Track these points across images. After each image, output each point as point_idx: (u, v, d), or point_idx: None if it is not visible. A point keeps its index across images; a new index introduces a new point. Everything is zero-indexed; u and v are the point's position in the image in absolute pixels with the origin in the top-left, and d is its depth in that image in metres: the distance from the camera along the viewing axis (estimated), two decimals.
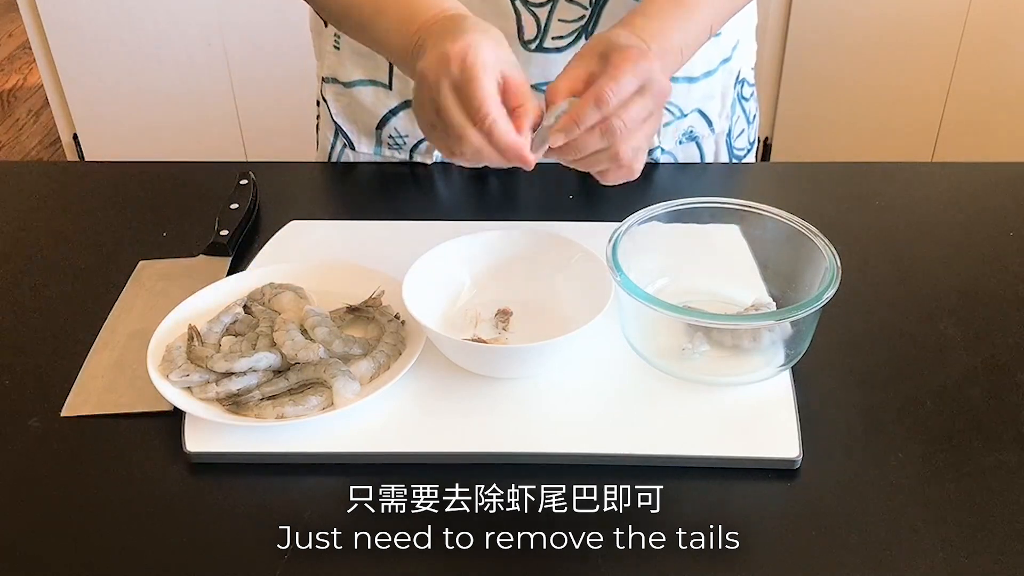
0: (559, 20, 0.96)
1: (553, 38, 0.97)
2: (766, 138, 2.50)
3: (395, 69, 1.03)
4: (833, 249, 0.79)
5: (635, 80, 0.73)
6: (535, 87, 1.01)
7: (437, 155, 1.08)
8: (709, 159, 1.11)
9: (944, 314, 0.86)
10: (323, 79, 1.09)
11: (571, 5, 0.95)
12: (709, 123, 1.08)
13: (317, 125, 1.16)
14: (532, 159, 0.73)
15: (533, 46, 0.98)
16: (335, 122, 1.10)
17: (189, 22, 2.40)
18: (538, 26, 0.96)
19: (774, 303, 0.83)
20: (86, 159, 2.60)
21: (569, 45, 0.98)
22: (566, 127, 0.73)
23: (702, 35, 0.86)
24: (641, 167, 0.77)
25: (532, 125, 0.74)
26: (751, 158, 1.16)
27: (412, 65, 0.77)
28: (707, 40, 0.87)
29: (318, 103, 1.14)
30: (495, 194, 1.07)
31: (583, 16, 0.96)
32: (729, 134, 1.11)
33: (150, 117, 2.53)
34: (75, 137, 2.61)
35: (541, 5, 0.95)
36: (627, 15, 0.83)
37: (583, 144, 0.74)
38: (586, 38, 0.97)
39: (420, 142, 1.08)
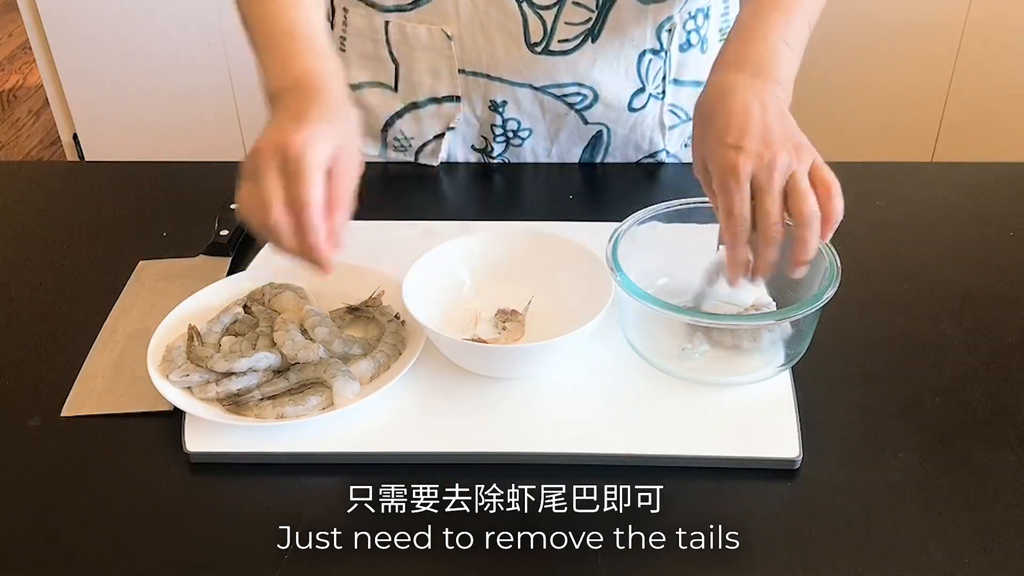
0: (565, 23, 0.96)
1: (559, 41, 0.97)
2: None
3: (401, 71, 1.03)
4: (833, 249, 0.79)
5: (743, 197, 0.71)
6: (540, 90, 1.01)
7: (442, 156, 1.08)
8: None
9: (944, 314, 0.86)
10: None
11: (577, 8, 0.95)
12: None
13: None
14: (328, 259, 0.69)
15: (539, 49, 0.98)
16: None
17: (189, 22, 2.40)
18: (544, 29, 0.96)
19: (774, 303, 0.83)
20: (86, 159, 2.60)
21: (575, 48, 0.98)
22: (734, 269, 0.73)
23: (804, 30, 0.83)
24: (831, 177, 0.75)
25: (339, 226, 0.70)
26: None
27: (268, 110, 0.76)
28: (808, 34, 0.84)
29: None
30: (496, 194, 1.07)
31: (589, 19, 0.96)
32: None
33: (150, 117, 2.53)
34: (75, 137, 2.61)
35: (547, 8, 0.95)
36: (735, 34, 0.80)
37: (765, 257, 0.73)
38: (592, 41, 0.97)
39: (425, 144, 1.08)
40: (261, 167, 0.69)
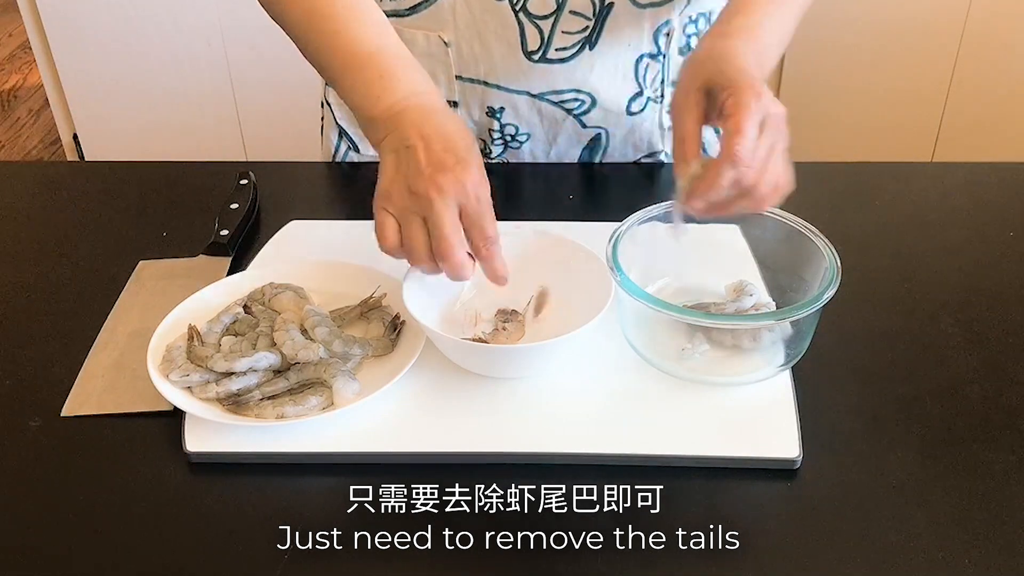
0: (562, 32, 0.96)
1: (556, 49, 0.97)
2: None
3: None
4: (833, 249, 0.79)
5: (756, 126, 0.72)
6: (538, 97, 1.01)
7: None
8: None
9: (944, 314, 0.86)
10: (326, 82, 1.09)
11: (574, 17, 0.95)
12: (714, 128, 1.08)
13: (321, 127, 1.16)
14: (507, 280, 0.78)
15: (536, 57, 0.98)
16: (339, 125, 1.10)
17: (189, 22, 2.40)
18: (541, 38, 0.96)
19: (774, 303, 0.83)
20: (86, 159, 2.60)
21: (572, 56, 0.97)
22: (706, 193, 0.73)
23: (792, 26, 0.85)
24: (787, 183, 0.76)
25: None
26: None
27: (373, 135, 0.79)
28: (794, 29, 0.86)
29: (322, 105, 1.14)
30: (496, 194, 1.07)
31: (586, 27, 0.96)
32: None
33: (150, 117, 2.53)
34: (75, 137, 2.61)
35: (544, 17, 0.95)
36: (723, 13, 0.82)
37: (720, 201, 0.74)
38: (590, 49, 0.97)
39: None
40: (438, 209, 0.73)
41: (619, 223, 0.82)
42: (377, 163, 1.13)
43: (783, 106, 0.76)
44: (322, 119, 1.15)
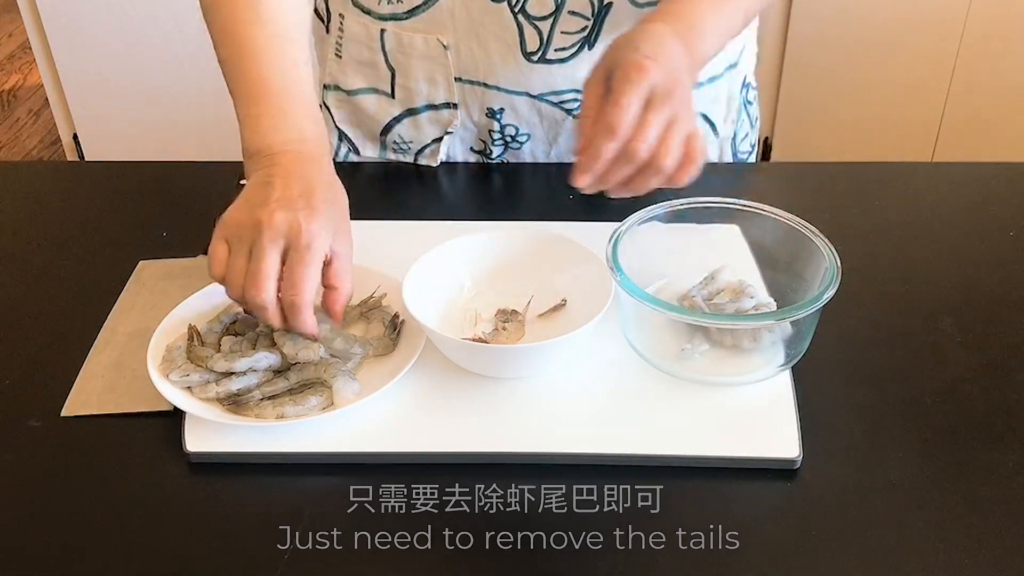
0: (561, 32, 0.96)
1: (556, 50, 0.97)
2: (766, 138, 2.50)
3: (397, 78, 1.02)
4: (833, 249, 0.79)
5: (637, 98, 0.72)
6: (538, 98, 1.01)
7: (441, 157, 1.08)
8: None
9: (944, 314, 0.86)
10: (324, 86, 1.09)
11: (573, 17, 0.95)
12: (713, 127, 1.08)
13: None
14: (316, 334, 0.75)
15: (535, 58, 0.97)
16: (339, 128, 1.10)
17: (189, 22, 2.39)
18: (540, 38, 0.96)
19: (774, 303, 0.83)
20: (86, 159, 2.60)
21: (571, 56, 0.97)
22: (586, 166, 0.73)
23: (737, 19, 0.85)
24: (701, 156, 0.75)
25: (340, 308, 0.76)
26: (752, 160, 1.17)
27: (247, 167, 0.79)
28: (743, 27, 0.86)
29: (320, 108, 1.14)
30: (496, 194, 1.07)
31: (585, 27, 0.96)
32: (734, 138, 1.11)
33: (150, 117, 2.53)
34: (75, 137, 2.61)
35: (543, 18, 0.95)
36: (661, 1, 0.82)
37: (615, 175, 0.74)
38: (589, 49, 0.97)
39: (424, 147, 1.08)
40: (263, 241, 0.71)
41: (619, 223, 0.82)
42: (377, 163, 1.13)
43: (683, 83, 0.75)
44: None
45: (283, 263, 0.72)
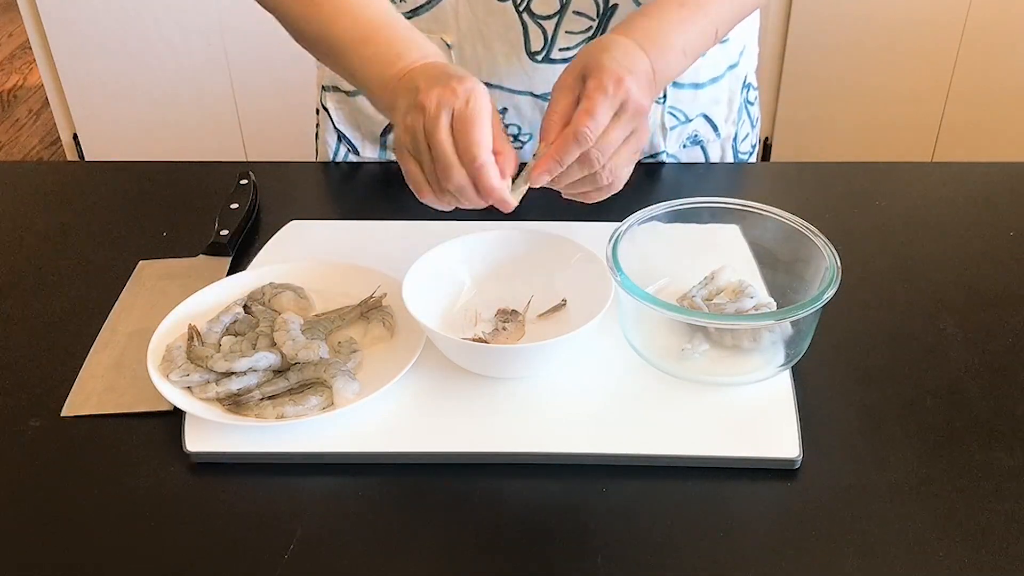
0: (566, 32, 0.96)
1: (560, 49, 0.97)
2: (766, 138, 2.50)
3: None
4: (833, 249, 0.79)
5: (609, 109, 0.74)
6: (541, 97, 1.01)
7: None
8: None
9: (944, 313, 0.86)
10: (323, 87, 1.09)
11: (578, 17, 0.95)
12: (714, 127, 1.08)
13: (316, 133, 1.16)
14: (513, 203, 0.75)
15: (540, 57, 0.98)
16: (338, 130, 1.10)
17: (189, 22, 2.40)
18: (545, 38, 0.96)
19: (774, 303, 0.83)
20: (86, 159, 2.60)
21: (575, 56, 0.97)
22: (548, 167, 0.74)
23: (707, 37, 0.86)
24: (623, 182, 0.78)
25: (511, 172, 0.75)
26: (753, 160, 1.17)
27: (389, 98, 0.78)
28: (714, 43, 0.87)
29: (317, 111, 1.14)
30: None
31: (590, 27, 0.96)
32: (735, 138, 1.11)
33: (150, 117, 2.53)
34: (75, 137, 2.61)
35: (548, 17, 0.95)
36: (628, 16, 0.83)
37: (566, 177, 0.76)
38: None
39: None
40: (431, 126, 0.71)
41: (619, 223, 0.82)
42: (376, 163, 1.13)
43: (649, 103, 0.77)
44: (317, 126, 1.15)
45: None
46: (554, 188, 0.77)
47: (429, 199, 0.76)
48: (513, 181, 0.75)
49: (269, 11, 0.88)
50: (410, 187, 0.76)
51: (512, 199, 0.74)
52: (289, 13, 0.86)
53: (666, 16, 0.82)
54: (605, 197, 0.79)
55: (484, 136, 0.72)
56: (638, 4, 0.95)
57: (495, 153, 0.73)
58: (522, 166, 0.77)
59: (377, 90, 0.80)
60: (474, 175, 0.72)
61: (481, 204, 0.75)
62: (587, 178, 0.76)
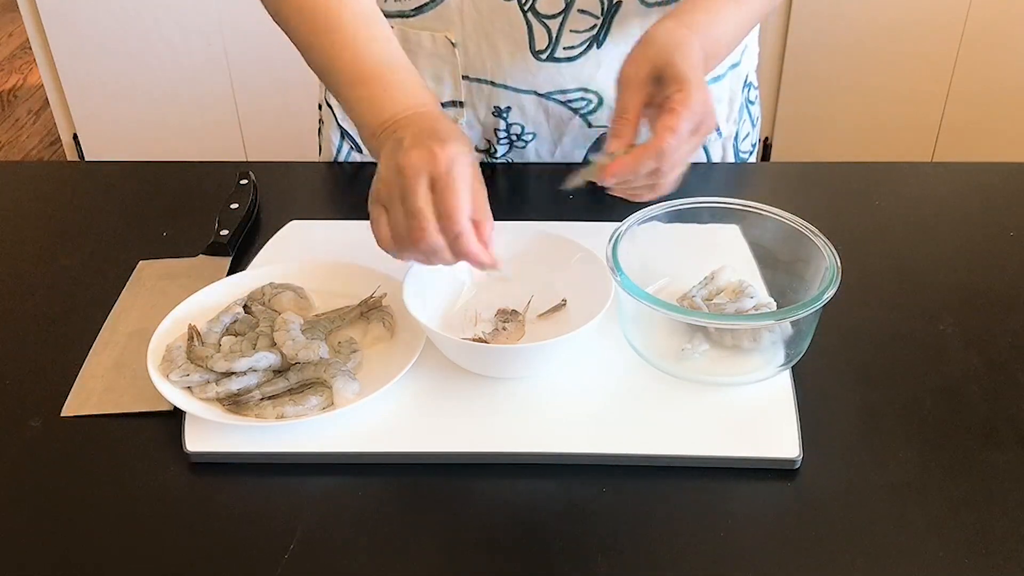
0: (570, 31, 0.96)
1: (564, 48, 0.97)
2: (766, 138, 2.50)
3: None
4: (833, 249, 0.79)
5: (692, 127, 0.74)
6: (545, 96, 1.01)
7: None
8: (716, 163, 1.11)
9: (944, 314, 0.86)
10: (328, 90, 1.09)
11: (582, 15, 0.95)
12: (716, 128, 1.08)
13: (319, 129, 1.16)
14: (498, 265, 0.74)
15: (544, 56, 0.98)
16: (341, 127, 1.10)
17: (189, 22, 2.40)
18: (549, 37, 0.96)
19: (774, 303, 0.83)
20: (86, 159, 2.60)
21: (580, 55, 0.97)
22: (622, 174, 0.74)
23: (748, 28, 0.86)
24: (673, 187, 0.78)
25: (489, 241, 0.74)
26: (753, 159, 1.17)
27: (375, 144, 0.78)
28: (748, 33, 0.87)
29: (320, 107, 1.14)
30: (497, 194, 1.06)
31: (594, 26, 0.96)
32: (736, 137, 1.11)
33: (150, 117, 2.53)
34: (75, 137, 2.61)
35: (552, 16, 0.95)
36: (684, 4, 0.83)
37: (631, 183, 0.76)
38: (597, 47, 0.97)
39: None
40: (408, 188, 0.71)
41: (619, 223, 0.82)
42: (375, 163, 1.13)
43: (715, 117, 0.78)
44: (320, 121, 1.15)
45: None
46: (613, 190, 0.78)
47: (389, 250, 0.75)
48: (581, 168, 0.76)
49: (280, 27, 0.88)
50: (373, 234, 0.75)
51: (495, 261, 0.74)
52: (295, 37, 0.86)
53: (721, 13, 0.82)
54: (653, 197, 0.79)
55: (463, 203, 0.71)
56: (643, 3, 0.95)
57: (473, 222, 0.72)
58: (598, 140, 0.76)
59: (365, 133, 0.80)
60: (451, 242, 0.72)
61: (452, 262, 0.74)
62: (649, 185, 0.77)
